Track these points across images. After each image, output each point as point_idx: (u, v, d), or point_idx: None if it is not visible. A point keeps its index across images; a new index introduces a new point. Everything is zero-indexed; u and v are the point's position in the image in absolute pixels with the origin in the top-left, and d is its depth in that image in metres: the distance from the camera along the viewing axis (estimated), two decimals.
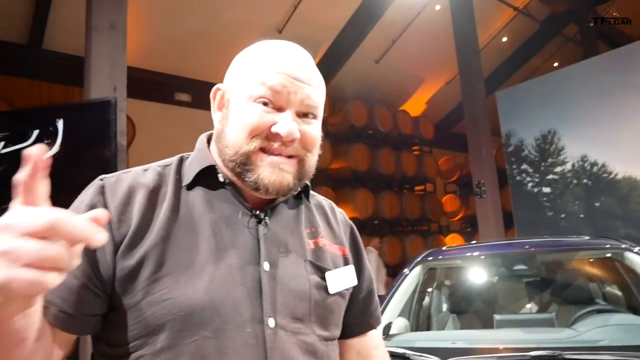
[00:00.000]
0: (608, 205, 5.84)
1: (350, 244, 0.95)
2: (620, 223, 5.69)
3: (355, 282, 0.89)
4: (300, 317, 0.76)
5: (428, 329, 2.73)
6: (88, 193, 0.76)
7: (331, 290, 0.81)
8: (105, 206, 0.72)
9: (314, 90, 0.79)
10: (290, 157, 0.77)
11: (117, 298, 0.69)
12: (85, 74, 3.22)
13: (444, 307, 2.94)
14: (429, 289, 3.09)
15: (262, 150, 0.75)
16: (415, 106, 10.86)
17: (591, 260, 2.88)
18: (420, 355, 1.75)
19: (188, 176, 0.80)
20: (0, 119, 2.74)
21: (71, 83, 5.92)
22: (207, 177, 0.79)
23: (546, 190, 6.43)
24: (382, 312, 2.18)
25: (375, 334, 1.00)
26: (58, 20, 6.05)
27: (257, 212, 0.79)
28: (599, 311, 2.20)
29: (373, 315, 0.97)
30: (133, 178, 0.78)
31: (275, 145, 0.75)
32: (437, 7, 8.35)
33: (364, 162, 8.70)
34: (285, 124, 0.75)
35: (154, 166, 0.83)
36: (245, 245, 0.76)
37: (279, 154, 0.76)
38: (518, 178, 6.73)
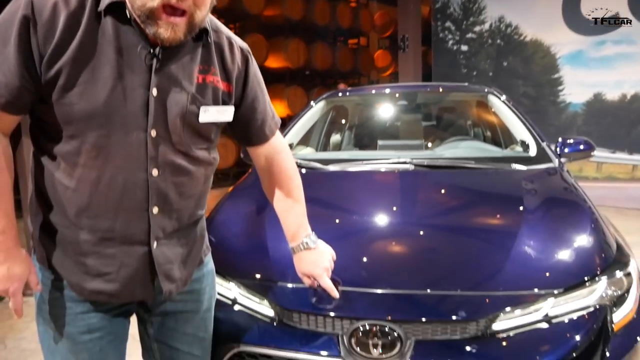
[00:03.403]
0: (514, 65, 6.39)
1: (241, 74, 1.14)
2: (521, 82, 6.32)
3: (229, 119, 1.12)
4: (178, 133, 1.01)
5: None
6: (19, 4, 0.90)
7: (200, 120, 1.04)
8: (35, 23, 0.89)
9: None
10: (183, 14, 0.93)
11: (44, 94, 0.94)
12: None
13: (348, 140, 3.42)
14: (337, 125, 3.56)
15: (164, 8, 0.91)
16: None
17: (464, 101, 3.41)
18: (308, 161, 2.21)
19: (104, 2, 0.94)
20: None
21: None
22: (117, 10, 0.95)
23: (464, 48, 6.83)
24: (286, 133, 2.59)
25: (278, 142, 1.27)
26: None
27: (153, 50, 0.97)
28: (460, 140, 2.73)
29: (267, 128, 1.23)
30: None
31: (173, 1, 0.91)
32: None
33: (298, 10, 8.57)
34: None
35: None
36: (140, 73, 0.96)
37: (174, 14, 0.92)
38: (441, 35, 7.03)
